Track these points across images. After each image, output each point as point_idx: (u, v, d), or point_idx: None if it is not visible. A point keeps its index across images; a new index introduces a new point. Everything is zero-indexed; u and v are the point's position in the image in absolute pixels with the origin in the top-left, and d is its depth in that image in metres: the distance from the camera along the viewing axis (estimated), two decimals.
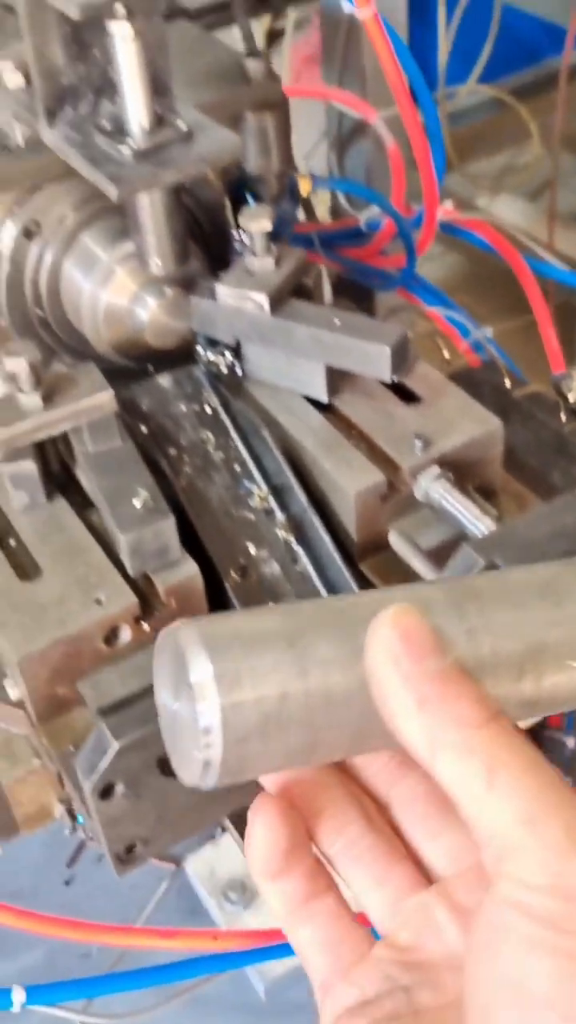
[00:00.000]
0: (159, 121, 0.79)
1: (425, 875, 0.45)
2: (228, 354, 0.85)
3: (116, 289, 0.89)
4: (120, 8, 0.74)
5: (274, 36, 1.68)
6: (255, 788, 0.77)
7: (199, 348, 0.88)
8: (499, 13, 1.85)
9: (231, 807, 0.81)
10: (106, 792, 0.72)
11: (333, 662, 0.38)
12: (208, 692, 0.36)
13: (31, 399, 0.80)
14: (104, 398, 0.82)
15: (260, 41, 1.62)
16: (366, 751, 0.41)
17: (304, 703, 0.37)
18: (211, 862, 1.27)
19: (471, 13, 1.76)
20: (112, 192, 0.76)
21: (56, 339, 0.95)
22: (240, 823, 0.92)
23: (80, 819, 0.85)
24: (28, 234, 0.89)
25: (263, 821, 0.43)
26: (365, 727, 0.39)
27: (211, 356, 0.87)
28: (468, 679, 0.38)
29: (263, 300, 0.82)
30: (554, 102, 1.77)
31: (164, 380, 0.91)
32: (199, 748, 0.37)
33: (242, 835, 0.93)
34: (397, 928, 0.44)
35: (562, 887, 0.34)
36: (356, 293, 1.18)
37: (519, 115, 1.93)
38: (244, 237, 0.85)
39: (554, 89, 1.77)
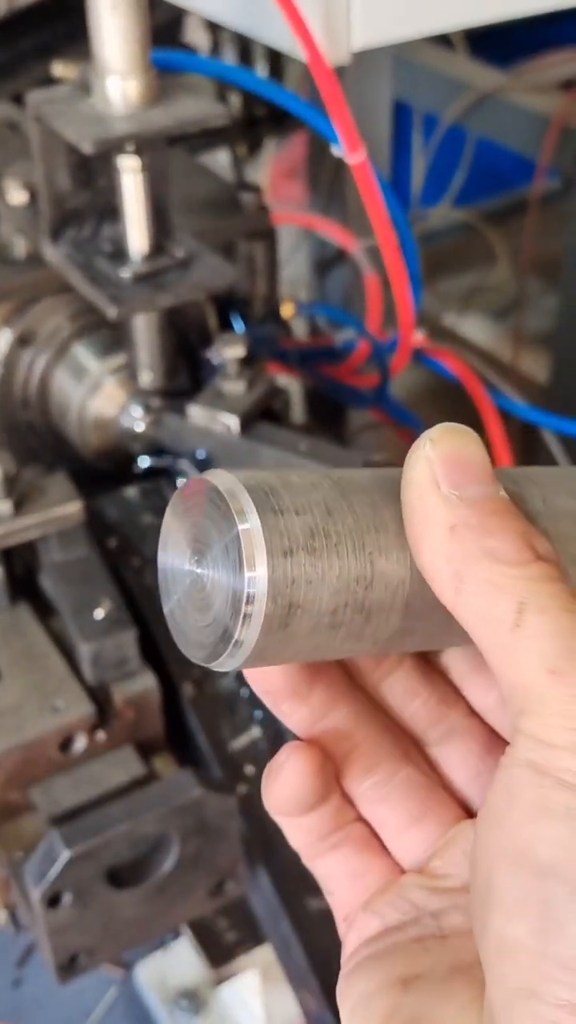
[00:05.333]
0: (158, 247, 0.83)
1: (468, 811, 0.40)
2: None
3: (105, 399, 0.92)
4: (129, 144, 0.78)
5: (254, 147, 1.73)
6: (203, 898, 0.78)
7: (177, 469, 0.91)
8: (473, 144, 1.92)
9: (177, 921, 0.81)
10: (54, 901, 0.72)
11: (374, 491, 0.33)
12: (242, 501, 0.31)
13: (2, 506, 0.82)
14: (73, 508, 0.84)
15: (241, 151, 1.68)
16: (430, 612, 0.34)
17: (351, 521, 0.32)
18: (162, 969, 1.25)
19: (446, 142, 1.83)
20: (111, 312, 0.80)
21: (40, 442, 0.97)
22: (199, 929, 0.92)
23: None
24: (23, 342, 0.92)
25: (291, 769, 0.37)
26: (418, 580, 0.33)
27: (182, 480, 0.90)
28: (518, 517, 0.32)
29: (232, 422, 0.85)
30: (521, 227, 1.83)
31: (131, 492, 0.94)
32: (236, 575, 0.31)
33: (200, 941, 0.93)
34: (430, 858, 0.39)
35: None
36: (329, 409, 1.22)
37: (487, 239, 2.00)
38: (217, 359, 0.88)
39: (522, 215, 1.84)
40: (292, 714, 0.38)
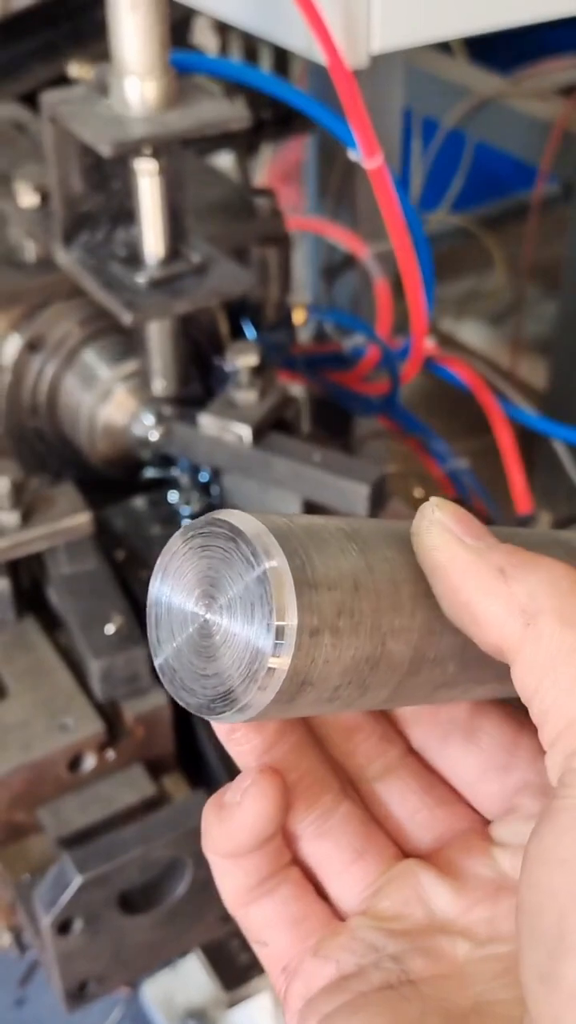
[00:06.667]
0: (174, 252, 0.81)
1: (404, 850, 0.40)
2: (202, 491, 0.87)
3: (115, 406, 0.90)
4: (146, 146, 0.76)
5: (251, 151, 1.71)
6: (216, 922, 0.76)
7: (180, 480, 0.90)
8: (471, 149, 1.91)
9: (189, 946, 0.79)
10: (64, 927, 0.70)
11: (395, 560, 0.33)
12: (281, 574, 0.30)
13: (9, 517, 0.80)
14: (81, 519, 0.82)
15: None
16: (416, 687, 0.34)
17: (374, 600, 0.32)
18: (169, 988, 1.22)
19: (445, 147, 1.82)
20: (126, 318, 0.78)
21: (49, 449, 0.95)
22: (212, 951, 0.90)
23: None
24: (32, 347, 0.90)
25: (257, 796, 0.36)
26: (425, 643, 0.34)
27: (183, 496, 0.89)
28: (534, 553, 0.32)
29: (245, 432, 0.83)
30: (519, 234, 1.82)
31: (139, 502, 0.91)
32: (261, 647, 0.30)
33: (213, 963, 0.91)
34: (376, 899, 0.38)
35: None
36: (335, 416, 1.20)
37: (485, 244, 1.99)
38: (229, 366, 0.86)
39: (520, 221, 1.83)
40: (245, 743, 0.37)
